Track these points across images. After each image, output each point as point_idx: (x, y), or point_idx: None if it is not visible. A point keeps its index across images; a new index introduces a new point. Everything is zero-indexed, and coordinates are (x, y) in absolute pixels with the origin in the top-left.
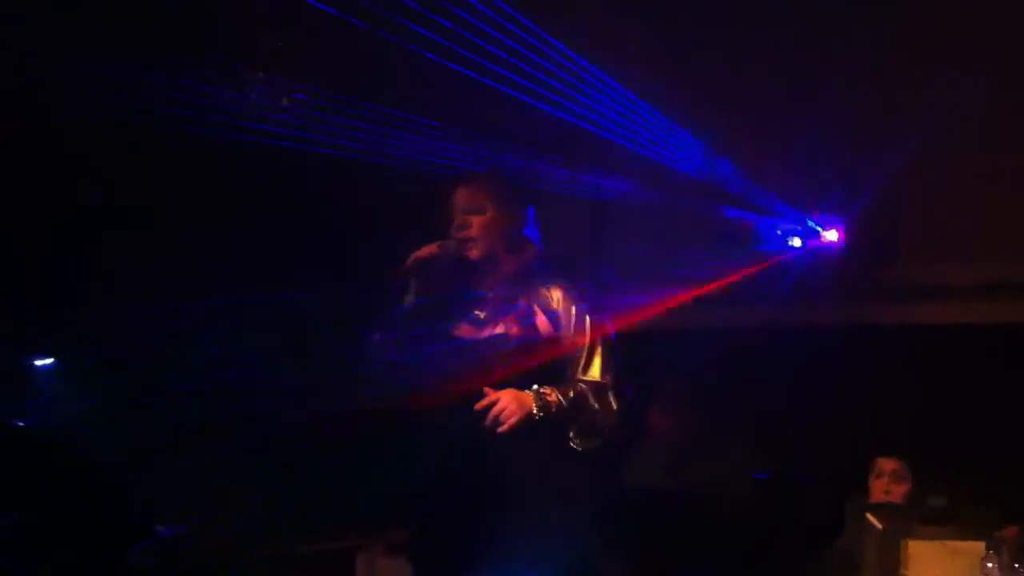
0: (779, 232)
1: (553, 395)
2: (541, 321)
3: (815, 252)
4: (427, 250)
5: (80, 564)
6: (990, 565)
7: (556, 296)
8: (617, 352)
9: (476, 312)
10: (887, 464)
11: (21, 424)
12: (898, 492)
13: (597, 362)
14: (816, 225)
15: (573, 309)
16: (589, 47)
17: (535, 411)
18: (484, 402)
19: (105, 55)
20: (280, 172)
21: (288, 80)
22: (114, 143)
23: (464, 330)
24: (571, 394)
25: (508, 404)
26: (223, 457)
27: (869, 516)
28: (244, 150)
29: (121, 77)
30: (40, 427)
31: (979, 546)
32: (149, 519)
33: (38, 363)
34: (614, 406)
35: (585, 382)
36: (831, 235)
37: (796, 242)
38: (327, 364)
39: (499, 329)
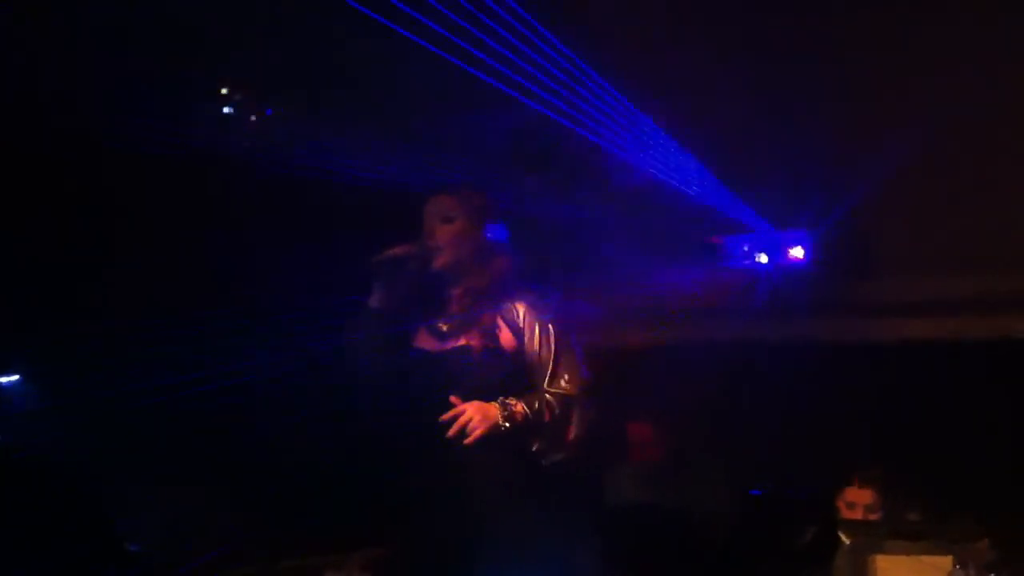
0: (746, 248)
1: (519, 406)
2: (504, 335)
3: (781, 269)
4: (396, 250)
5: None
6: None
7: (522, 309)
8: (583, 365)
9: (439, 324)
10: (861, 496)
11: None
12: (875, 508)
13: (564, 374)
14: (782, 242)
15: (538, 322)
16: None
17: (501, 422)
18: (450, 413)
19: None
20: (259, 184)
21: (266, 94)
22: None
23: (426, 341)
24: (536, 405)
25: (474, 415)
26: (196, 471)
27: (838, 530)
28: (224, 163)
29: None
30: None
31: (947, 560)
32: (121, 537)
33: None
34: (581, 418)
35: (551, 393)
36: (797, 252)
37: (763, 258)
38: (303, 371)
39: (461, 342)
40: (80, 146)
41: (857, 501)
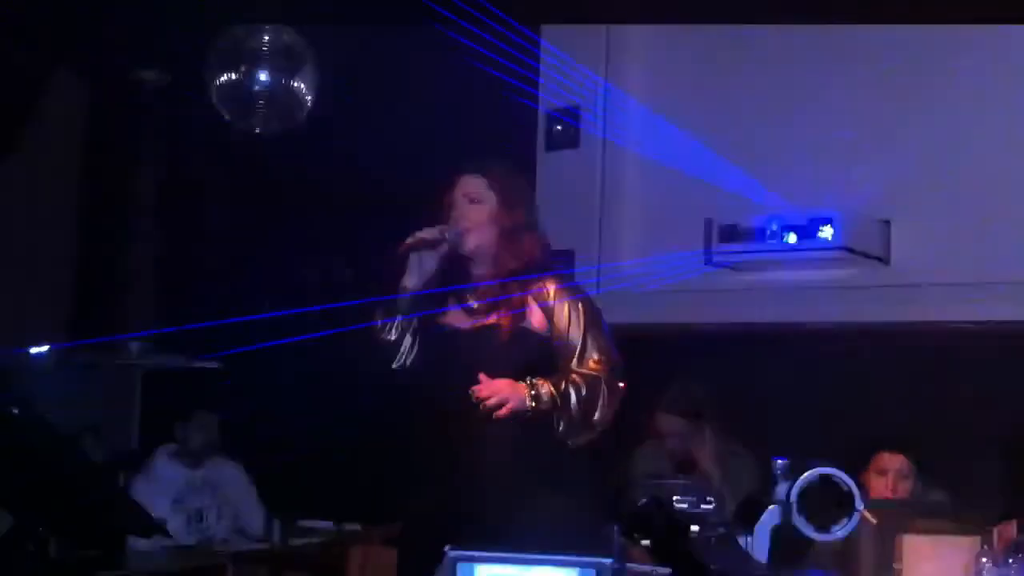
0: (774, 228)
1: (546, 387)
2: (535, 314)
3: (812, 249)
4: (427, 232)
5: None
6: (985, 560)
7: (552, 289)
8: (613, 346)
9: (470, 302)
10: (892, 461)
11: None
12: (902, 489)
13: (592, 354)
14: (812, 221)
15: (568, 302)
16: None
17: (528, 401)
18: (480, 388)
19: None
20: (286, 164)
21: (291, 75)
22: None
23: (457, 319)
24: (563, 386)
25: (504, 390)
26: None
27: (864, 511)
28: (245, 143)
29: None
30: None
31: (974, 541)
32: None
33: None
34: (608, 400)
35: (579, 374)
36: (827, 231)
37: (792, 238)
38: (329, 350)
39: (491, 320)
40: None
41: (888, 467)
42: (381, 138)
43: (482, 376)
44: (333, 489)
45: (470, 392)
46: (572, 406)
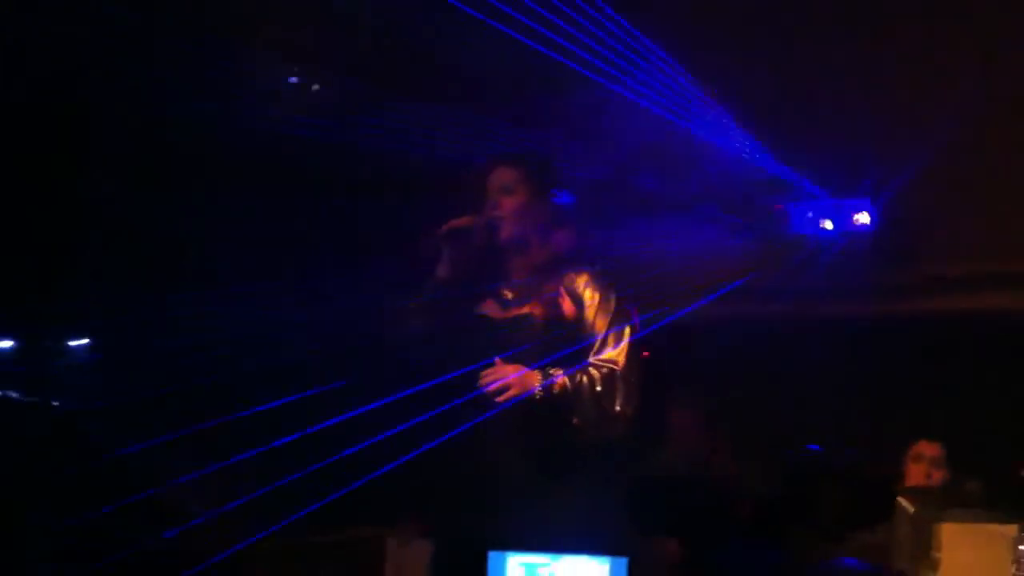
0: (810, 215)
1: (561, 378)
2: (567, 305)
3: (848, 234)
4: (460, 221)
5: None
6: (1022, 548)
7: (583, 281)
8: (636, 341)
9: (503, 291)
10: (929, 448)
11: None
12: (937, 477)
13: (612, 345)
14: (848, 208)
15: (599, 293)
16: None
17: (538, 391)
18: (488, 372)
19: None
20: (318, 155)
21: (321, 68)
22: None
23: (490, 307)
24: (578, 378)
25: (509, 376)
26: (247, 444)
27: (900, 499)
28: (277, 135)
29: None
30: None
31: (1012, 529)
32: (177, 505)
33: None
34: (625, 394)
35: (596, 365)
36: (863, 217)
37: (828, 225)
38: (357, 336)
39: (524, 310)
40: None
41: (924, 453)
42: (415, 125)
43: (497, 360)
44: (368, 484)
45: (479, 376)
46: (586, 398)
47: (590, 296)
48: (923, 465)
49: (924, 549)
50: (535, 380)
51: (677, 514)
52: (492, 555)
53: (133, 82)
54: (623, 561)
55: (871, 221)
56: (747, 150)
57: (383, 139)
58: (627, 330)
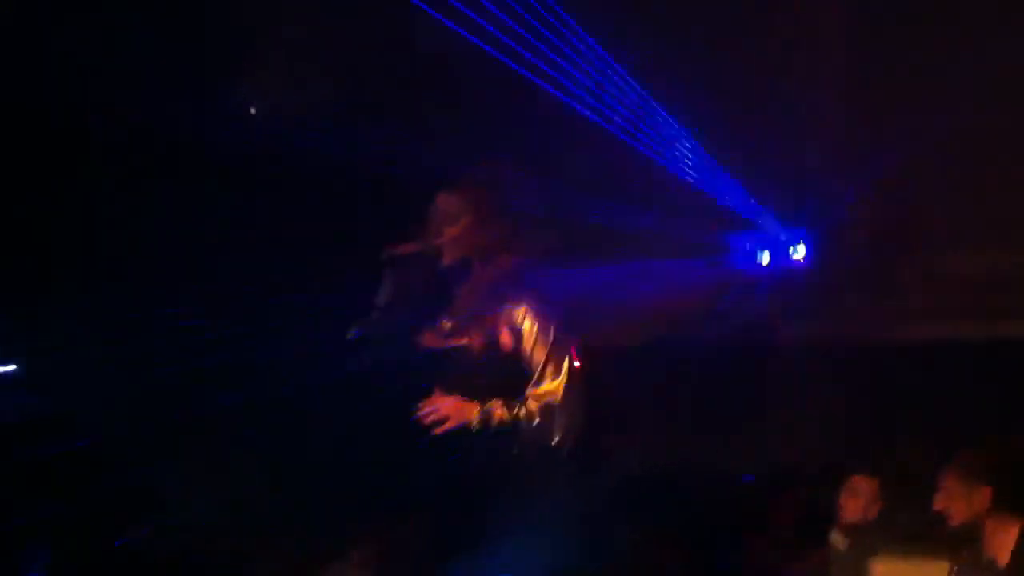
0: (747, 247)
1: (498, 410)
2: (504, 336)
3: (784, 269)
4: (403, 247)
5: (82, 549)
6: None
7: (522, 312)
8: (575, 371)
9: (442, 321)
10: (865, 483)
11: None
12: (873, 511)
13: (549, 377)
14: (785, 241)
15: (538, 323)
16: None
17: (475, 423)
18: (426, 404)
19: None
20: (275, 175)
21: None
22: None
23: (428, 338)
24: (515, 410)
25: (447, 410)
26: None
27: (834, 534)
28: (239, 152)
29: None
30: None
31: (944, 566)
32: (151, 507)
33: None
34: (565, 425)
35: (535, 397)
36: (799, 252)
37: (765, 259)
38: (312, 360)
39: (462, 341)
40: None
41: (860, 488)
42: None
43: (436, 390)
44: (308, 510)
45: (416, 408)
46: (523, 430)
47: (529, 327)
48: (859, 499)
49: None
50: (473, 412)
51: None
52: None
53: (116, 85)
54: None
55: (806, 256)
56: (690, 176)
57: (338, 162)
58: (566, 362)
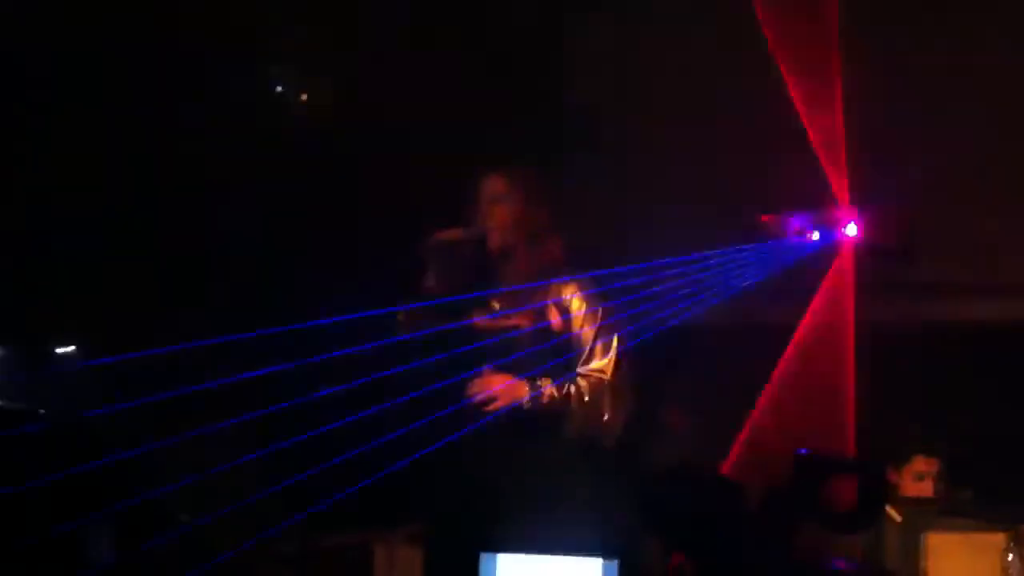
0: (797, 227)
1: (548, 388)
2: (554, 316)
3: (834, 246)
4: (450, 233)
5: (101, 552)
6: (1011, 557)
7: (571, 291)
8: (623, 349)
9: (491, 302)
10: (926, 464)
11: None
12: (929, 489)
13: (600, 356)
14: (834, 219)
15: (586, 303)
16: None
17: (526, 401)
18: (477, 383)
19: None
20: (307, 159)
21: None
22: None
23: (477, 321)
24: (566, 388)
25: (498, 388)
26: (241, 449)
27: (889, 508)
28: (266, 140)
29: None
30: (61, 421)
31: (1000, 538)
32: (170, 509)
33: (59, 354)
34: (615, 403)
35: (584, 376)
36: (850, 229)
37: (815, 236)
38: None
39: (512, 321)
40: None
41: (922, 469)
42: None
43: (485, 371)
44: (356, 491)
45: (468, 387)
46: (575, 409)
47: (577, 306)
48: (919, 480)
49: (912, 558)
50: (523, 391)
51: (671, 514)
52: (484, 556)
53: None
54: (614, 563)
55: (857, 233)
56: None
57: (375, 145)
58: (615, 340)
